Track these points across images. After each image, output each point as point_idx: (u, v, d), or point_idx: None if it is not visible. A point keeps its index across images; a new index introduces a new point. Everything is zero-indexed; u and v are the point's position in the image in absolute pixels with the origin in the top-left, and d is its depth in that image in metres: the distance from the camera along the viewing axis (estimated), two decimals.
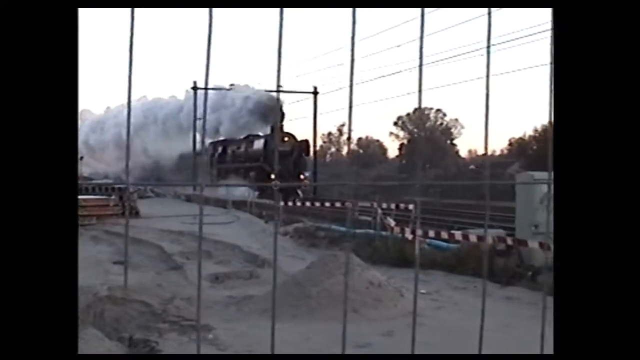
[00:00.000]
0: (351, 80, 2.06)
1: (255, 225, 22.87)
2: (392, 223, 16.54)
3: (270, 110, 50.02)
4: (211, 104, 56.55)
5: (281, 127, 45.31)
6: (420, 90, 2.18)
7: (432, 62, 35.88)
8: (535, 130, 61.66)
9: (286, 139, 44.93)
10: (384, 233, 16.66)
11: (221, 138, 54.97)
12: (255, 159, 46.28)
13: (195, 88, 52.60)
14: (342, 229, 19.12)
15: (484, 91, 2.13)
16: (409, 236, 15.60)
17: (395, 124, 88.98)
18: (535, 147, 58.83)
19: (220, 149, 53.24)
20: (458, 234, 14.40)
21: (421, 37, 2.11)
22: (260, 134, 50.56)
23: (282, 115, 48.30)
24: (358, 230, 18.04)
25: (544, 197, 13.71)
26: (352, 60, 2.04)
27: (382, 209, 17.93)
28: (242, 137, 51.94)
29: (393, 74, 78.65)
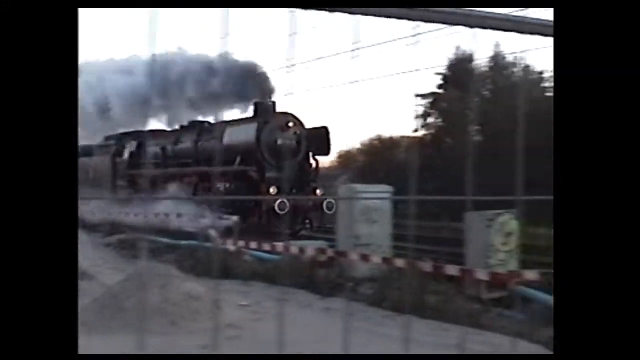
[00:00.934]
0: None
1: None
2: (215, 234, 16.42)
3: (249, 78, 27.29)
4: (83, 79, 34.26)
5: (273, 105, 26.03)
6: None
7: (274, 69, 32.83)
8: (362, 144, 63.09)
9: (291, 124, 24.15)
10: (206, 244, 16.51)
11: (133, 129, 32.07)
12: (227, 159, 23.84)
13: None
14: (166, 240, 18.84)
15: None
16: (231, 247, 15.55)
17: None
18: (361, 160, 60.16)
19: (133, 146, 30.61)
20: (280, 246, 14.45)
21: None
22: (211, 120, 28.91)
23: (271, 88, 27.04)
24: (182, 242, 17.82)
25: (365, 209, 14.00)
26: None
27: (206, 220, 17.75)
28: (179, 125, 30.54)
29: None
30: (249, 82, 26.98)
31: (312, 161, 24.94)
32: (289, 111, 24.88)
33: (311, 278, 12.77)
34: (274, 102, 26.03)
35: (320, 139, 24.91)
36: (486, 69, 34.80)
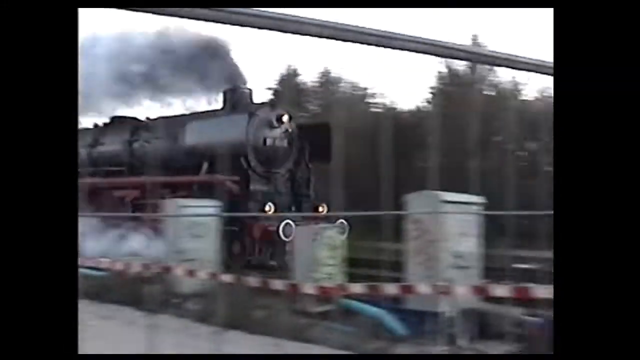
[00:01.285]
0: None
1: None
2: None
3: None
4: None
5: (250, 94, 19.59)
6: None
7: None
8: None
9: (285, 118, 18.09)
10: None
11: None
12: (187, 165, 18.42)
13: None
14: None
15: None
16: None
17: None
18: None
19: None
20: (105, 261, 14.07)
21: None
22: (149, 116, 21.95)
23: (242, 72, 20.20)
24: None
25: (190, 224, 13.89)
26: None
27: None
28: (94, 123, 23.16)
29: None
30: (210, 63, 19.82)
31: (305, 168, 18.85)
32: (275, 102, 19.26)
33: (137, 294, 12.50)
34: (251, 90, 19.56)
35: (319, 138, 18.17)
36: (316, 84, 35.40)
